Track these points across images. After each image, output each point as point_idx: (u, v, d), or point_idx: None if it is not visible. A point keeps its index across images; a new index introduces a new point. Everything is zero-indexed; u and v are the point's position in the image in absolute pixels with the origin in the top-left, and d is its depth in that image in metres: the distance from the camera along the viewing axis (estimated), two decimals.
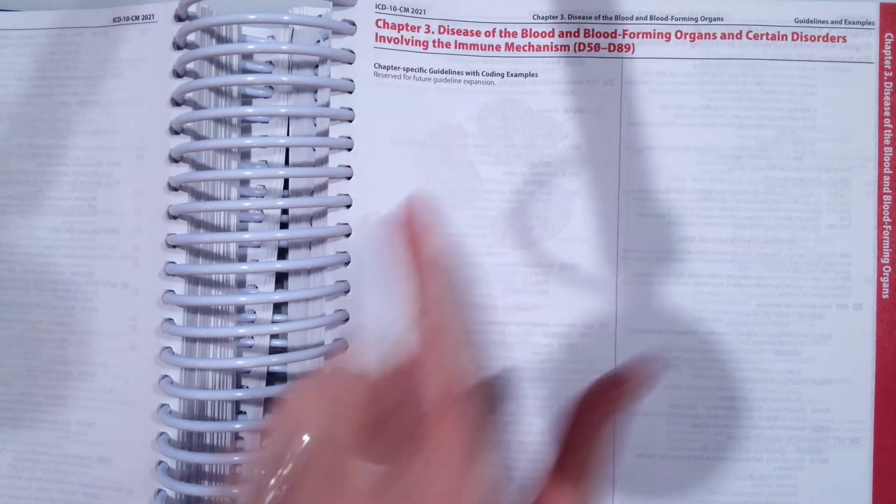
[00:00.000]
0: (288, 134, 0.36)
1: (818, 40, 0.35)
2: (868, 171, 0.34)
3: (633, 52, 0.35)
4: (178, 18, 0.35)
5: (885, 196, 0.34)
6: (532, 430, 0.34)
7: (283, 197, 0.36)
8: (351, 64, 0.35)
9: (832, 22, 0.35)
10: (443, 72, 0.35)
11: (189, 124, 0.34)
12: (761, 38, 0.35)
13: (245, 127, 0.36)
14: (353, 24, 0.35)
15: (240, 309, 0.35)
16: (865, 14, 0.35)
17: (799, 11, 0.35)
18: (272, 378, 0.36)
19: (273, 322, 0.35)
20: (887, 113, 0.34)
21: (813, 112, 0.35)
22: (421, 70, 0.35)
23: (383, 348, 0.24)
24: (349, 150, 0.34)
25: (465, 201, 0.35)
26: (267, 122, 0.36)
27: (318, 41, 0.36)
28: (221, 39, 0.35)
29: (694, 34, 0.35)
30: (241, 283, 0.36)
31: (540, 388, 0.35)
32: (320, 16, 0.36)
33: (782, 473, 0.34)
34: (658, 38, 0.35)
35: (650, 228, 0.35)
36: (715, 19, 0.35)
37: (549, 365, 0.35)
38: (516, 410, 0.35)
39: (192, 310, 0.34)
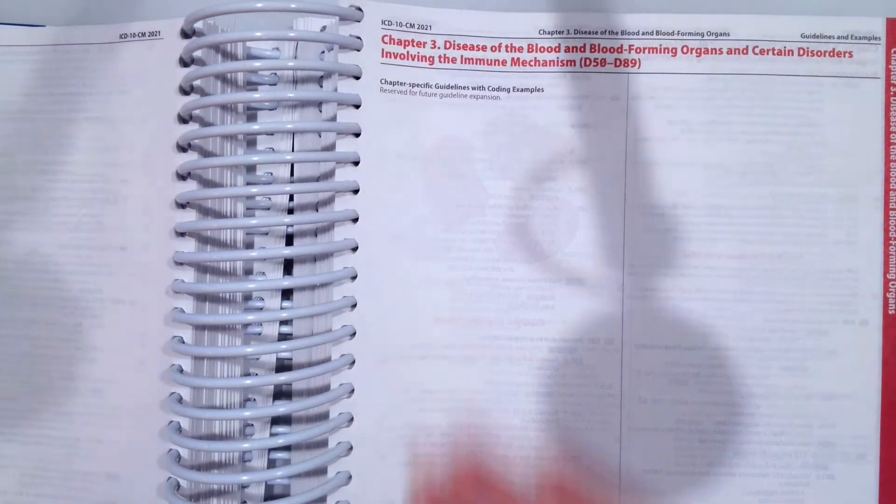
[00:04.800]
0: (293, 145, 0.36)
1: (825, 55, 0.35)
2: (875, 186, 0.34)
3: (639, 68, 0.35)
4: (184, 35, 0.35)
5: (891, 212, 0.34)
6: (537, 445, 0.35)
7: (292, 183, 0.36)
8: (357, 79, 0.35)
9: (838, 37, 0.35)
10: (449, 87, 0.35)
11: (196, 141, 0.34)
12: (768, 54, 0.35)
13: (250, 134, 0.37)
14: (360, 38, 0.35)
15: (247, 298, 0.35)
16: (871, 29, 0.35)
17: (805, 27, 0.35)
18: (278, 395, 0.36)
19: (282, 308, 0.35)
20: (894, 128, 0.34)
21: (820, 127, 0.34)
22: (427, 85, 0.35)
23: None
24: (355, 164, 0.34)
25: (470, 216, 0.35)
26: (272, 116, 0.37)
27: (322, 52, 0.36)
28: (227, 55, 0.35)
29: (700, 49, 0.35)
30: (248, 272, 0.36)
31: (545, 403, 0.35)
32: (325, 27, 0.36)
33: (788, 489, 0.34)
34: (664, 53, 0.35)
35: (656, 244, 0.35)
36: (721, 34, 0.35)
37: (554, 380, 0.35)
38: (522, 425, 0.35)
39: (201, 298, 0.34)
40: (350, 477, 0.34)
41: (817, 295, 0.34)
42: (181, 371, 0.34)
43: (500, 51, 0.35)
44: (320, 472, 0.34)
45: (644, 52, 0.35)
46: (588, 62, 0.35)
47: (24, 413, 0.35)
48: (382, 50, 0.35)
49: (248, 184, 0.36)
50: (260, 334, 0.36)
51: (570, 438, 0.35)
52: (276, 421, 0.36)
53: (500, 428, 0.35)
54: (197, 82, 0.35)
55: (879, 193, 0.34)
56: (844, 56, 0.35)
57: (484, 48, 0.35)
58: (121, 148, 0.35)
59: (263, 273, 0.36)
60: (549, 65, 0.35)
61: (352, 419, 0.34)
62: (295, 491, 0.34)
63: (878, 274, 0.34)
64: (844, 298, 0.34)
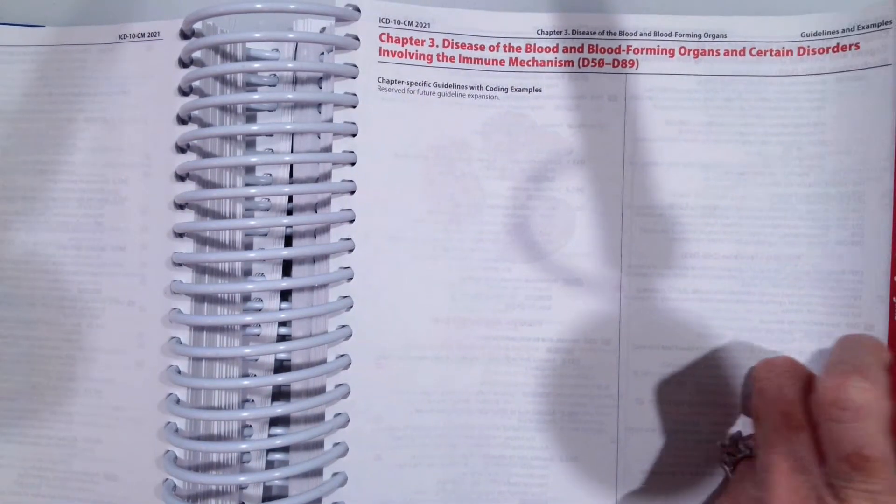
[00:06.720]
0: (292, 146, 0.36)
1: (827, 52, 0.34)
2: (884, 182, 0.33)
3: (637, 68, 0.35)
4: (184, 36, 0.35)
5: None
6: (534, 445, 0.35)
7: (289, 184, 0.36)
8: (354, 78, 0.35)
9: (843, 31, 0.34)
10: (447, 86, 0.35)
11: (195, 142, 0.34)
12: (765, 55, 0.34)
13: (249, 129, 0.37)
14: (357, 38, 0.35)
15: (246, 299, 0.35)
16: (882, 14, 0.33)
17: (805, 26, 0.34)
18: (278, 395, 0.36)
19: (281, 309, 0.35)
20: None
21: (821, 126, 0.34)
22: (425, 84, 0.35)
23: None
24: (352, 164, 0.34)
25: (468, 216, 0.35)
26: (271, 117, 0.37)
27: (322, 53, 0.36)
28: (226, 56, 0.35)
29: (697, 50, 0.35)
30: (247, 273, 0.36)
31: (542, 403, 0.35)
32: (324, 29, 0.36)
33: None
34: (662, 54, 0.35)
35: (654, 244, 0.34)
36: (718, 36, 0.35)
37: (551, 380, 0.35)
38: (519, 426, 0.35)
39: (200, 299, 0.34)
40: (346, 478, 0.34)
41: (818, 297, 0.34)
42: (179, 372, 0.34)
43: (498, 50, 0.35)
44: (317, 473, 0.34)
45: (642, 53, 0.35)
46: (586, 62, 0.35)
47: (23, 413, 0.35)
48: (380, 48, 0.35)
49: (247, 185, 0.36)
50: (258, 335, 0.36)
51: (568, 439, 0.34)
52: (275, 421, 0.36)
53: (498, 428, 0.35)
54: (196, 83, 0.35)
55: (888, 189, 0.33)
56: (850, 49, 0.34)
57: (482, 47, 0.35)
58: (120, 148, 0.35)
59: (262, 274, 0.36)
60: (548, 65, 0.35)
61: (348, 420, 0.34)
62: (293, 491, 0.34)
63: (885, 276, 0.33)
64: (848, 301, 0.33)
